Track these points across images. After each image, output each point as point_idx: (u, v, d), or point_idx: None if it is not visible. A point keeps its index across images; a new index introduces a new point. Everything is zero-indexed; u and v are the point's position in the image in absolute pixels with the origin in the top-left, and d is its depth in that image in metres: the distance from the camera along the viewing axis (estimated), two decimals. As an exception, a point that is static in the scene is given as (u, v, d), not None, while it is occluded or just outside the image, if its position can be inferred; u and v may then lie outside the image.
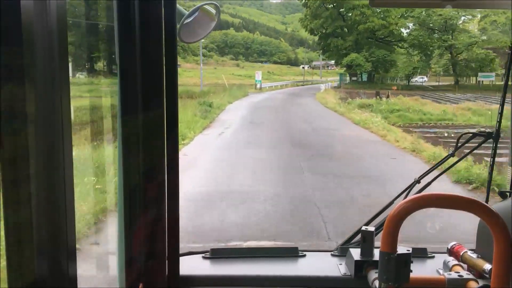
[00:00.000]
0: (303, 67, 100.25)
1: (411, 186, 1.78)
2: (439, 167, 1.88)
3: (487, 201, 1.70)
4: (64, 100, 0.82)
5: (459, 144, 1.83)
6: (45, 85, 0.79)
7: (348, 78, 63.53)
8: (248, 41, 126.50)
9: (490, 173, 1.87)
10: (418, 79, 69.89)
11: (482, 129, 1.82)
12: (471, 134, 1.85)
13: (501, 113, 1.78)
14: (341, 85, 57.56)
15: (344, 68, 62.99)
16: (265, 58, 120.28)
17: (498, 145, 1.77)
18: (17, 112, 0.75)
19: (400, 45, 59.76)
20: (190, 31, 1.47)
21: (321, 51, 67.51)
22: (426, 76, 67.64)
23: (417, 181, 1.82)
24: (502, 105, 1.80)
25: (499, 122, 1.78)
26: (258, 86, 46.90)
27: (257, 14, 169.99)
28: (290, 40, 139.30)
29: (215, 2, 1.54)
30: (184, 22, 1.44)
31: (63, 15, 0.82)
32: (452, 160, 1.89)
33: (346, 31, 58.80)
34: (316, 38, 64.53)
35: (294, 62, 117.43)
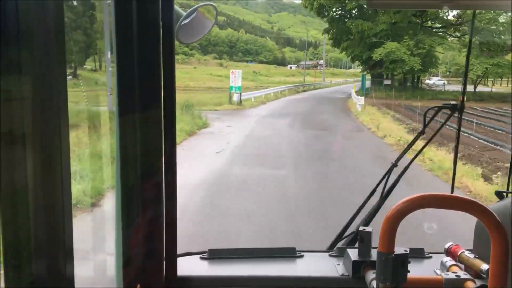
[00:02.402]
0: (290, 67, 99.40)
1: (389, 170, 1.85)
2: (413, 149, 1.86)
3: (453, 182, 1.76)
4: (62, 99, 0.83)
5: (426, 120, 1.84)
6: (42, 84, 0.79)
7: (368, 80, 42.50)
8: (233, 39, 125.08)
9: (456, 147, 1.89)
10: (436, 81, 51.84)
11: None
12: (436, 108, 1.87)
13: (464, 84, 1.99)
14: (370, 92, 35.44)
15: (362, 67, 43.68)
16: (251, 57, 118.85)
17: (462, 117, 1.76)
18: (15, 112, 0.76)
19: (448, 32, 39.64)
20: (188, 32, 1.47)
21: (331, 41, 44.65)
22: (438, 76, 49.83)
23: (395, 165, 1.87)
24: (465, 77, 2.04)
25: (463, 93, 1.92)
26: (235, 97, 25.81)
27: (242, 13, 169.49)
28: (277, 39, 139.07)
29: (212, 3, 1.54)
30: (182, 23, 1.44)
31: (60, 15, 0.82)
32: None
33: (370, 11, 37.98)
34: (325, 22, 42.83)
35: (281, 62, 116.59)
